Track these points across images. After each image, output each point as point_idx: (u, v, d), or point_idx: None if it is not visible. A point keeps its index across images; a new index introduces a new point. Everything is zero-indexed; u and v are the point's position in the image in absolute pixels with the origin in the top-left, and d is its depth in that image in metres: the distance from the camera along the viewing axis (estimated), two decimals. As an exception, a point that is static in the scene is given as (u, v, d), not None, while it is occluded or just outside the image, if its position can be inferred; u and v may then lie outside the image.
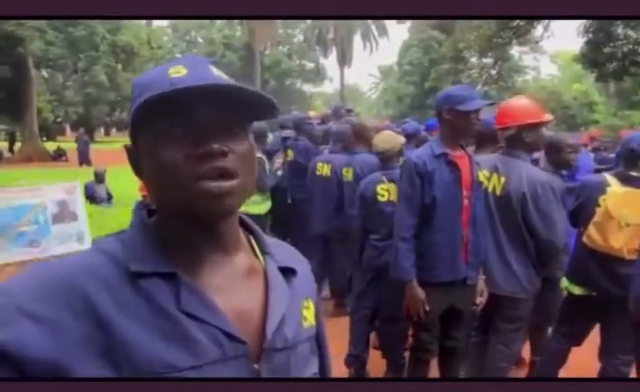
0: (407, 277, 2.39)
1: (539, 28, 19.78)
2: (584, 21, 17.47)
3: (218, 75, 0.67)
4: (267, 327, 0.67)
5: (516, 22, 18.07)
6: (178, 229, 0.67)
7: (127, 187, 9.18)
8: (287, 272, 0.75)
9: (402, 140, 3.30)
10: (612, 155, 6.93)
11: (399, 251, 2.39)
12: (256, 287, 0.71)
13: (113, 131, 44.82)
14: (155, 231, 0.68)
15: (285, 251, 0.80)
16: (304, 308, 0.76)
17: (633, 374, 2.64)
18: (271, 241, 0.79)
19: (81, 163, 17.60)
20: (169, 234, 0.67)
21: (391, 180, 2.97)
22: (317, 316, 0.80)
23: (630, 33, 17.38)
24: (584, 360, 3.03)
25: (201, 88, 0.61)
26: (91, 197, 8.34)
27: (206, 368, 0.61)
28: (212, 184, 0.62)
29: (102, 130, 41.24)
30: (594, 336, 2.86)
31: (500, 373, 2.69)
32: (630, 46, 17.44)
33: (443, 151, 2.35)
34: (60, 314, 0.58)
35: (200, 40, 41.43)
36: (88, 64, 26.11)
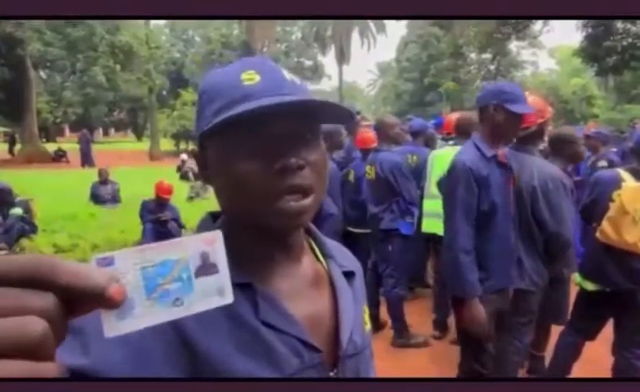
0: (475, 292, 2.16)
1: (538, 23, 19.80)
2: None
3: (291, 81, 0.65)
4: (341, 334, 0.66)
5: (515, 17, 18.07)
6: (249, 239, 0.66)
7: (130, 187, 9.22)
8: (348, 275, 0.74)
9: None
10: (614, 149, 6.95)
11: (463, 264, 2.14)
12: (324, 293, 0.70)
13: (112, 131, 44.77)
14: (226, 239, 0.65)
15: (343, 254, 0.79)
16: (364, 312, 0.76)
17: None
18: (330, 243, 0.78)
19: (83, 164, 17.59)
20: (240, 243, 0.65)
21: None
22: None
23: (630, 26, 17.39)
24: (597, 354, 3.05)
25: (277, 107, 0.59)
26: (95, 196, 8.35)
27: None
28: (291, 202, 0.61)
29: (101, 130, 41.17)
30: (607, 331, 2.87)
31: (513, 367, 2.70)
32: (630, 40, 17.46)
33: (494, 152, 2.21)
34: (144, 331, 0.56)
35: (198, 39, 41.29)
36: (87, 64, 26.04)
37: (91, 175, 9.42)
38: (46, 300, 0.31)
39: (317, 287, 0.70)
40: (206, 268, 0.41)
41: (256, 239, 0.66)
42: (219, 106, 0.61)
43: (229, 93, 0.62)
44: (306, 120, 0.63)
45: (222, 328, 0.59)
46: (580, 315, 2.91)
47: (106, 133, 43.31)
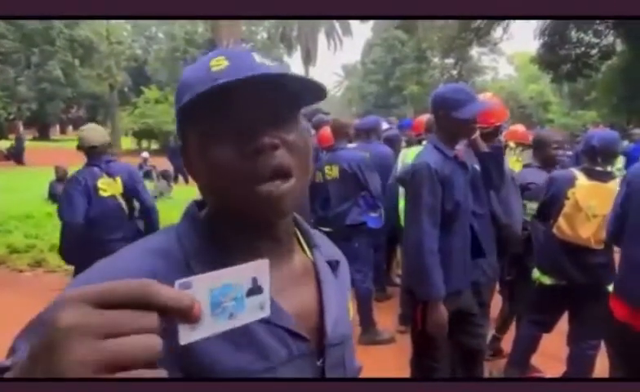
0: (440, 295, 2.14)
1: (498, 30, 20.48)
2: (540, 24, 18.22)
3: (261, 62, 0.63)
4: (326, 323, 0.67)
5: (477, 24, 18.64)
6: (234, 229, 0.65)
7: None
8: (332, 264, 0.74)
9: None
10: (569, 152, 7.29)
11: (429, 267, 2.12)
12: (310, 284, 0.70)
13: (70, 129, 43.15)
14: (210, 230, 0.65)
15: (328, 243, 0.79)
16: (348, 300, 0.77)
17: (599, 357, 2.80)
18: (316, 233, 0.77)
19: (17, 162, 16.93)
20: (225, 234, 0.65)
21: (109, 175, 3.12)
22: None
23: (582, 36, 18.25)
24: (553, 345, 3.19)
25: (241, 81, 0.57)
26: (54, 196, 8.05)
27: (277, 370, 0.61)
28: (270, 187, 0.60)
29: (58, 127, 39.62)
30: (562, 324, 3.01)
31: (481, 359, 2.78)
32: (583, 49, 18.33)
33: (455, 152, 2.22)
34: None
35: (161, 35, 40.39)
36: (43, 58, 25.02)
37: (47, 174, 9.06)
38: (153, 319, 0.38)
39: (303, 278, 0.70)
40: (254, 289, 0.51)
41: (242, 230, 0.64)
42: (189, 96, 0.60)
43: (199, 82, 0.61)
44: (280, 99, 0.62)
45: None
46: (537, 309, 3.03)
47: (63, 131, 41.69)
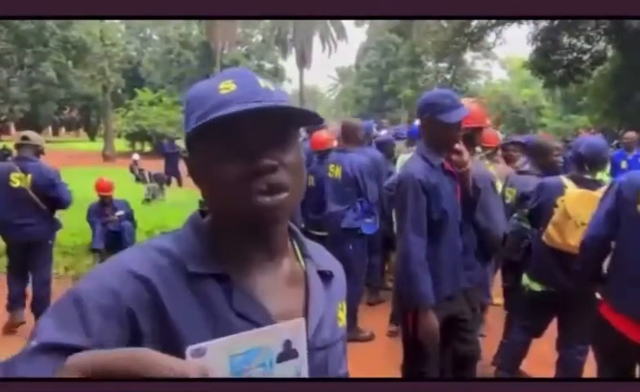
0: (429, 302, 2.16)
1: (491, 35, 20.62)
2: (532, 29, 18.38)
3: (265, 88, 0.70)
4: (308, 327, 0.70)
5: (471, 28, 18.76)
6: (231, 234, 0.71)
7: (81, 189, 8.85)
8: (325, 275, 0.79)
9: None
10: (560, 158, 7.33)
11: (416, 276, 2.15)
12: (298, 290, 0.75)
13: (62, 130, 42.89)
14: (209, 233, 0.72)
15: (323, 255, 0.84)
16: (339, 309, 0.81)
17: (587, 363, 2.83)
18: (310, 244, 0.82)
19: None
20: (222, 238, 0.71)
21: (22, 170, 3.81)
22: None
23: (574, 41, 18.41)
24: (543, 350, 3.22)
25: (247, 112, 0.65)
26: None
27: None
28: (265, 199, 0.66)
29: (50, 129, 39.37)
30: (552, 329, 3.03)
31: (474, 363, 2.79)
32: (575, 55, 18.49)
33: (441, 161, 2.22)
34: (131, 309, 0.62)
35: (155, 37, 40.28)
36: (36, 59, 24.83)
37: None
38: None
39: (292, 284, 0.75)
40: (287, 354, 0.46)
41: (239, 236, 0.71)
42: (198, 114, 0.68)
43: (206, 102, 0.68)
44: (280, 124, 0.69)
45: (196, 313, 0.66)
46: (527, 314, 3.06)
47: (56, 132, 41.43)
